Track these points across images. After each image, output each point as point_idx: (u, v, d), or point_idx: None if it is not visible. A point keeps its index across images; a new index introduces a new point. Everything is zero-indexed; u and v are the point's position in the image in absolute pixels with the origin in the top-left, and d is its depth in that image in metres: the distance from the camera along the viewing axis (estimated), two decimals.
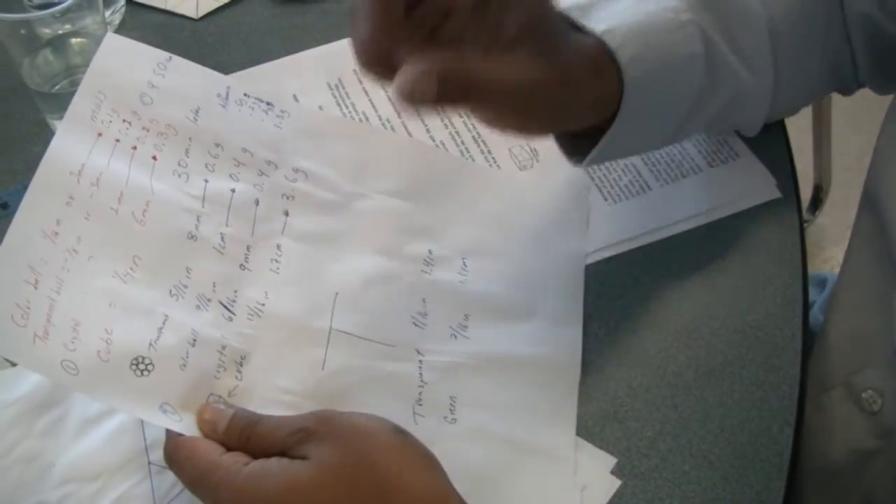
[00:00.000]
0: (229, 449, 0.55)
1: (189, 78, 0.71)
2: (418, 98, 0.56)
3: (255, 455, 0.54)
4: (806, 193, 1.91)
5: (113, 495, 0.60)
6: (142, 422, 0.63)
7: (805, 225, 1.88)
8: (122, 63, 0.69)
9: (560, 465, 0.63)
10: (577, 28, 0.65)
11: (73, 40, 0.79)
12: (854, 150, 1.90)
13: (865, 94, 0.81)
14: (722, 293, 0.72)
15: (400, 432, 0.55)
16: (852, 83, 0.79)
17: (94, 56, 0.68)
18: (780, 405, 0.67)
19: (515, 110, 0.61)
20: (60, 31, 0.77)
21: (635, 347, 0.69)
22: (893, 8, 0.71)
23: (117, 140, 0.65)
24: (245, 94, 0.73)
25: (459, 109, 0.65)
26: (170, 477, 0.60)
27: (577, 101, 0.63)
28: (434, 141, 0.80)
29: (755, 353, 0.69)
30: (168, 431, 0.57)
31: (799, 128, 1.80)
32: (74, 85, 0.79)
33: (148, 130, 0.67)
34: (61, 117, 0.79)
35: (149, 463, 0.62)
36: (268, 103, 0.74)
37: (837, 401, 0.71)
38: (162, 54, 0.71)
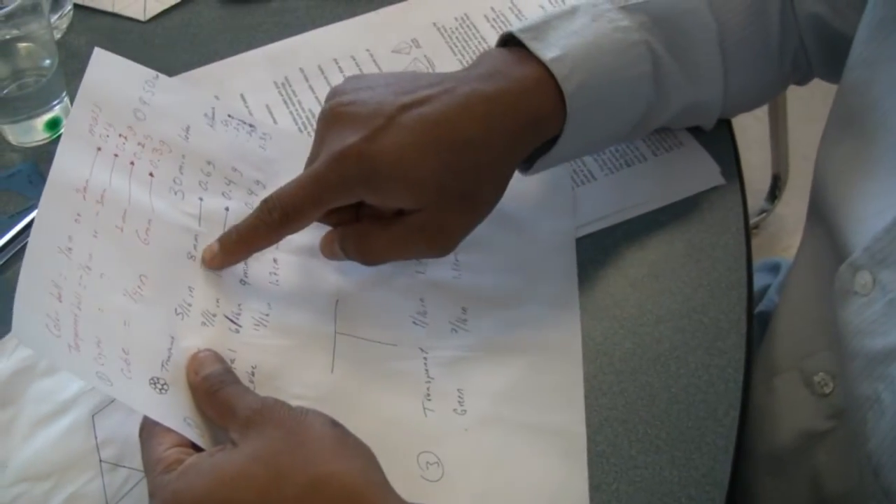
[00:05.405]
0: (198, 396, 0.58)
1: (177, 96, 0.72)
2: (329, 255, 0.69)
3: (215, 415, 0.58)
4: (765, 184, 1.92)
5: (65, 493, 0.61)
6: (93, 420, 0.63)
7: (764, 215, 1.91)
8: (112, 77, 0.70)
9: (574, 442, 0.64)
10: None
11: (20, 45, 0.79)
12: (813, 139, 1.91)
13: (821, 84, 0.83)
14: (667, 279, 0.73)
15: (336, 425, 0.55)
16: (808, 76, 0.82)
17: (86, 70, 0.68)
18: (726, 388, 0.67)
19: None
20: (7, 36, 0.78)
21: (582, 335, 0.70)
22: (840, 5, 0.73)
23: (115, 155, 0.66)
24: (229, 116, 0.74)
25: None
26: (121, 475, 0.61)
27: (510, 153, 0.68)
28: None
29: (700, 337, 0.70)
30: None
31: (757, 119, 1.82)
32: (22, 89, 0.79)
33: (143, 146, 0.68)
34: (10, 122, 0.80)
35: (100, 461, 0.62)
36: (250, 125, 0.75)
37: (789, 384, 0.72)
38: (149, 72, 0.72)
